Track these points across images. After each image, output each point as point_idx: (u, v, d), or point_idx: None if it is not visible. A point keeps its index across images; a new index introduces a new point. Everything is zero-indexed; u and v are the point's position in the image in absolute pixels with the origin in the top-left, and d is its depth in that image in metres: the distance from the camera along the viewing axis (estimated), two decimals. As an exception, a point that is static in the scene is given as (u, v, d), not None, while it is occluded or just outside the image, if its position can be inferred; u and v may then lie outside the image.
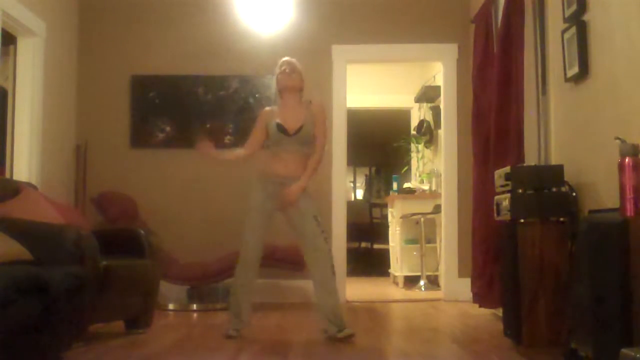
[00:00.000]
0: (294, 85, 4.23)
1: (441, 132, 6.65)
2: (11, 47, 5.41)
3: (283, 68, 4.26)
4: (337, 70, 6.35)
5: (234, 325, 4.16)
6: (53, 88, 5.72)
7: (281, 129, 4.15)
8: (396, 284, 7.95)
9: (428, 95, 7.95)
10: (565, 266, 3.30)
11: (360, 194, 14.28)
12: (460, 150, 6.24)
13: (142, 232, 4.59)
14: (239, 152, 4.46)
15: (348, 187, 12.54)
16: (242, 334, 4.15)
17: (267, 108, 4.41)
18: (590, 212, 3.31)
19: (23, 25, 5.17)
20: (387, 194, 10.31)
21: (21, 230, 3.45)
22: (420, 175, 8.45)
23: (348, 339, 4.01)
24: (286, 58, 4.33)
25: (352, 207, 8.80)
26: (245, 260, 4.20)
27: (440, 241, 6.70)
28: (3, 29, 4.87)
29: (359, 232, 10.07)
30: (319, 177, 6.06)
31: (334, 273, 4.12)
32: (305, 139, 4.18)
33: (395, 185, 8.42)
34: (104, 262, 3.80)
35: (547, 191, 3.54)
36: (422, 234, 7.34)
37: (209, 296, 5.79)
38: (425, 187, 7.87)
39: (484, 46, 5.36)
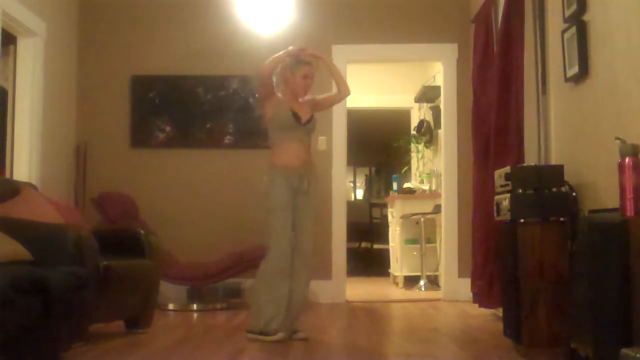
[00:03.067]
0: (306, 93, 4.29)
1: (441, 132, 6.65)
2: (11, 47, 5.41)
3: (308, 73, 4.21)
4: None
5: (279, 325, 4.04)
6: (53, 88, 5.72)
7: (296, 116, 4.14)
8: (396, 284, 7.95)
9: (428, 95, 7.95)
10: (565, 266, 3.30)
11: (360, 194, 14.29)
12: (460, 150, 6.24)
13: (142, 232, 4.59)
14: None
15: (348, 187, 12.55)
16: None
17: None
18: (590, 212, 3.31)
19: (23, 25, 5.17)
20: (387, 194, 10.31)
21: (21, 230, 3.45)
22: (420, 175, 8.45)
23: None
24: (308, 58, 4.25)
25: (352, 207, 8.80)
26: (284, 266, 4.02)
27: (440, 241, 6.70)
28: (3, 29, 4.87)
29: (359, 232, 10.07)
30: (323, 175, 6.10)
31: (308, 283, 4.21)
32: (312, 130, 4.27)
33: (395, 185, 8.43)
34: (104, 262, 3.80)
35: (547, 191, 3.54)
36: (422, 234, 7.34)
37: (209, 296, 5.79)
38: (425, 187, 7.87)
39: (484, 46, 5.36)
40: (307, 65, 4.20)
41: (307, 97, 4.31)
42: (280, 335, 4.01)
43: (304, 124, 4.17)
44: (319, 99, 4.37)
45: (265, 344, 3.96)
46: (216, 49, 6.29)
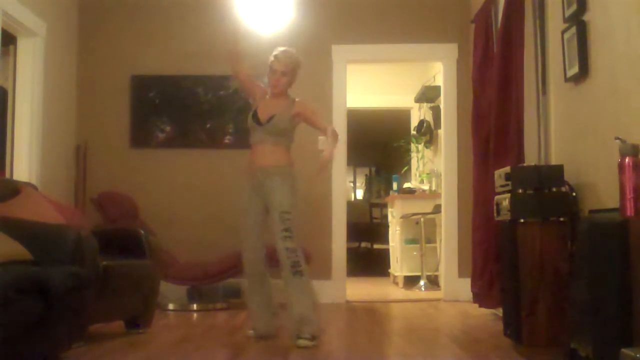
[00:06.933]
0: (280, 90, 4.15)
1: (441, 132, 6.65)
2: (11, 47, 5.41)
3: (275, 68, 4.13)
4: (337, 70, 6.35)
5: (252, 325, 4.19)
6: (53, 88, 5.72)
7: (255, 117, 4.12)
8: (396, 284, 7.95)
9: (428, 95, 7.95)
10: (565, 266, 3.30)
11: (360, 194, 14.30)
12: (460, 150, 6.24)
13: (142, 232, 4.59)
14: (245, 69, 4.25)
15: (348, 187, 12.56)
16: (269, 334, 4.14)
17: (265, 89, 4.28)
18: (591, 212, 3.31)
19: (23, 25, 5.17)
20: (387, 194, 10.31)
21: (21, 230, 3.45)
22: (420, 175, 8.46)
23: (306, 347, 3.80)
24: (284, 50, 4.18)
25: (352, 207, 8.81)
26: (247, 266, 4.18)
27: (440, 241, 6.70)
28: (3, 29, 4.87)
29: (359, 232, 10.08)
30: (319, 177, 6.09)
31: (296, 273, 3.92)
32: (276, 130, 4.08)
33: (395, 185, 8.42)
34: (104, 262, 3.80)
35: (547, 191, 3.54)
36: (422, 234, 7.34)
37: (209, 296, 5.79)
38: (425, 187, 7.87)
39: (484, 46, 5.36)
40: (277, 60, 4.14)
41: (298, 101, 4.18)
42: (249, 332, 4.16)
43: (263, 124, 4.08)
44: (309, 113, 4.16)
45: (264, 343, 3.98)
46: (216, 49, 6.26)
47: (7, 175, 5.23)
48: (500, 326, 3.90)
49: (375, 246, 10.32)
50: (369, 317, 5.44)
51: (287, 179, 4.05)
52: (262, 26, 6.28)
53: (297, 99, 4.21)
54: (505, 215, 3.66)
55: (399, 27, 6.35)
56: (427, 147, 8.35)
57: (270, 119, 4.07)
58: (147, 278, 4.42)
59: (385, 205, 9.76)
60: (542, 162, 4.10)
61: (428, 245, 7.38)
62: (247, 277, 4.23)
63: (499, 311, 4.31)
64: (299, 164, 4.23)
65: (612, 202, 2.97)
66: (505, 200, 3.66)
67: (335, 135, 3.95)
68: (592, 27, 3.49)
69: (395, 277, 8.12)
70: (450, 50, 6.35)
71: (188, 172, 6.27)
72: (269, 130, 4.08)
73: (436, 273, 7.21)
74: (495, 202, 3.86)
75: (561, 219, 3.48)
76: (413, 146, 8.71)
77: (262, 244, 4.15)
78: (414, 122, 8.82)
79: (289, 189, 4.03)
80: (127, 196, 5.88)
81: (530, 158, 4.28)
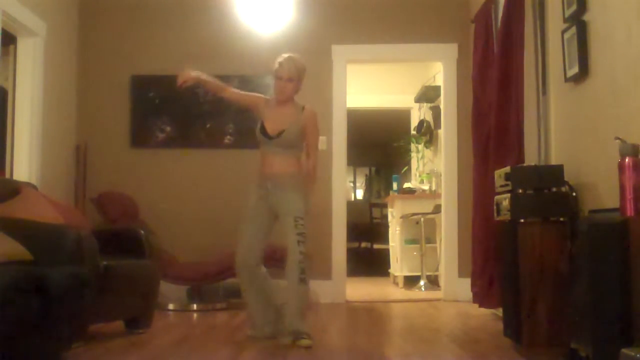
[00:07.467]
0: (287, 97, 4.12)
1: (441, 132, 6.65)
2: (11, 47, 5.41)
3: (280, 75, 4.09)
4: (337, 70, 6.35)
5: (251, 325, 4.22)
6: (53, 88, 5.72)
7: (263, 131, 4.10)
8: (396, 284, 7.95)
9: (428, 95, 7.95)
10: (565, 266, 3.30)
11: (360, 194, 14.30)
12: (460, 150, 6.24)
13: (142, 232, 4.59)
14: (231, 89, 4.34)
15: (348, 187, 12.56)
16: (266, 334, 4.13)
17: (266, 97, 4.28)
18: (590, 212, 3.31)
19: (23, 25, 5.17)
20: (387, 194, 10.31)
21: (21, 230, 3.45)
22: (420, 175, 8.45)
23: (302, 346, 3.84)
24: (288, 57, 4.12)
25: (352, 207, 8.81)
26: (238, 266, 4.16)
27: (440, 241, 6.70)
28: (3, 29, 4.87)
29: (359, 232, 10.08)
30: (319, 177, 6.10)
31: (301, 280, 3.94)
32: (287, 143, 4.08)
33: (395, 185, 8.43)
34: (104, 262, 3.80)
35: (547, 191, 3.54)
36: (422, 234, 7.34)
37: (209, 296, 5.79)
38: (425, 187, 7.87)
39: (484, 46, 5.36)
40: (281, 68, 4.09)
41: (306, 109, 4.14)
42: (248, 333, 4.17)
43: (273, 137, 4.07)
44: (309, 127, 4.13)
45: (264, 344, 3.98)
46: (216, 49, 6.28)
47: (7, 175, 5.23)
48: (500, 326, 3.90)
49: (375, 246, 10.32)
50: (369, 317, 5.44)
51: (299, 187, 4.07)
52: (262, 26, 6.30)
53: (306, 106, 4.17)
54: (505, 215, 3.66)
55: (398, 27, 6.36)
56: (427, 147, 8.35)
57: (280, 133, 4.06)
58: (147, 278, 4.42)
59: (385, 205, 9.76)
60: (542, 162, 4.10)
61: (428, 245, 7.38)
62: (238, 276, 4.22)
63: (499, 311, 4.31)
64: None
65: (612, 202, 2.98)
66: (505, 200, 3.66)
67: (313, 172, 4.15)
68: (592, 27, 3.49)
69: (395, 277, 8.12)
70: (450, 50, 6.35)
71: (188, 172, 6.27)
72: (279, 144, 4.08)
73: (436, 273, 7.21)
74: (495, 202, 3.86)
75: (561, 219, 3.48)
76: (413, 146, 8.72)
77: (259, 246, 4.14)
78: (414, 122, 8.83)
79: (301, 196, 4.05)
80: (127, 196, 5.88)
81: (530, 158, 4.28)
